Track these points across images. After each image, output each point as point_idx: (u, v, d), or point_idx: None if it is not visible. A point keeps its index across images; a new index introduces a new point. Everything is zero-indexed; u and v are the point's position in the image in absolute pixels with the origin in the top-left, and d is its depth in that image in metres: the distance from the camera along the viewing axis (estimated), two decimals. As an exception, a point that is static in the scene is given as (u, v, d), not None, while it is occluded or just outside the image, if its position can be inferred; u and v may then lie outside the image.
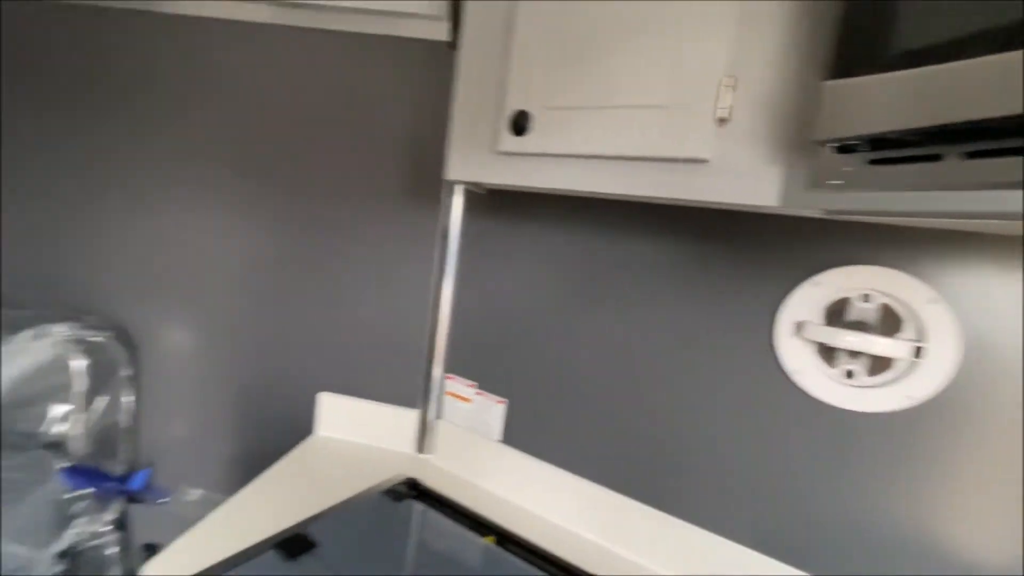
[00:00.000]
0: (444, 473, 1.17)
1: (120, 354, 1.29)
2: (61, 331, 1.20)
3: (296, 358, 1.29)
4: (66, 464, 1.17)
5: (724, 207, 0.68)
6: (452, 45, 1.11)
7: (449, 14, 1.11)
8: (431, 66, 1.14)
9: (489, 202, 1.12)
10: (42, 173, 1.37)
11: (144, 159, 1.33)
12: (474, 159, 0.79)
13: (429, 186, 1.17)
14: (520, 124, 0.72)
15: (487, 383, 1.15)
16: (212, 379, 1.35)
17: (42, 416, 1.17)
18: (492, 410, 1.14)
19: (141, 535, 1.40)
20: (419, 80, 1.16)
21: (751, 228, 0.84)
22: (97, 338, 1.24)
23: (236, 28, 1.25)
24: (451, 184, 1.13)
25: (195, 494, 1.39)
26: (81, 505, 1.21)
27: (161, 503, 1.35)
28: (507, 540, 0.96)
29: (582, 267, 1.04)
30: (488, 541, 0.96)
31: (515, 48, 0.73)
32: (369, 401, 1.26)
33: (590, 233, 1.02)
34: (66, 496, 1.19)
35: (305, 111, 1.23)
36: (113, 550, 1.31)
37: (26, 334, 1.18)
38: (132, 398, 1.33)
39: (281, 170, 1.26)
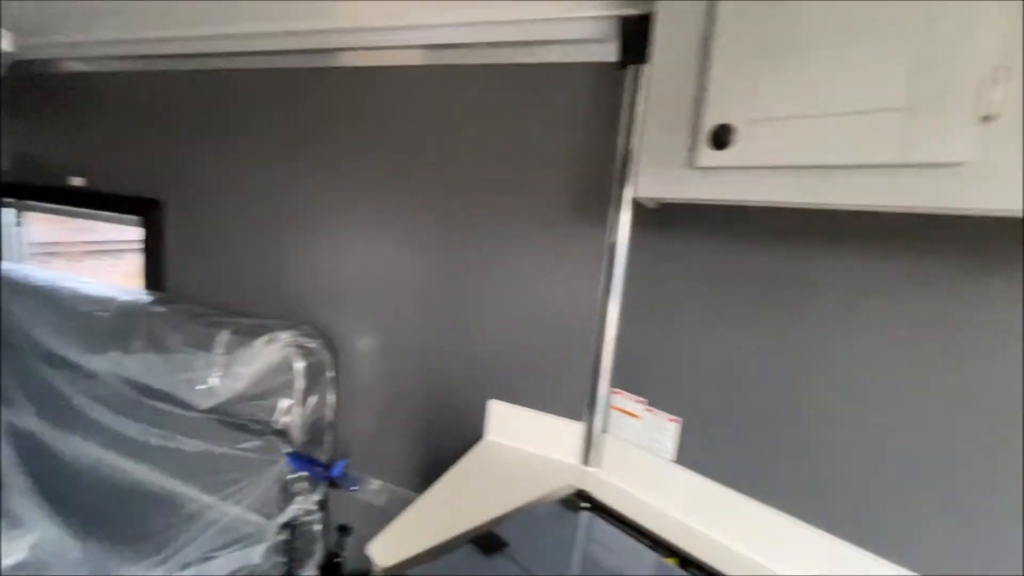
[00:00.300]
0: (612, 487, 1.17)
1: (327, 358, 1.51)
2: (286, 337, 1.44)
3: (468, 366, 1.40)
4: (289, 449, 1.40)
5: (977, 213, 0.60)
6: (622, 65, 1.14)
7: (617, 34, 1.14)
8: (595, 88, 1.18)
9: (659, 217, 1.11)
10: (269, 208, 1.67)
11: (338, 191, 1.56)
12: (667, 176, 0.79)
13: (594, 203, 1.20)
14: (721, 137, 0.71)
15: (658, 400, 1.14)
16: (394, 383, 1.52)
17: (272, 408, 1.42)
18: (664, 428, 1.12)
19: (336, 516, 1.61)
20: (582, 103, 1.21)
21: (1001, 239, 0.72)
22: (311, 344, 1.47)
23: (397, 73, 1.42)
24: (619, 200, 1.15)
25: (376, 484, 1.57)
26: (300, 486, 1.44)
27: (353, 490, 1.55)
28: (690, 563, 0.93)
29: (764, 282, 0.98)
30: (671, 562, 0.94)
31: (714, 59, 0.73)
32: (536, 411, 1.32)
33: (776, 246, 0.96)
34: (288, 477, 1.42)
35: (467, 139, 1.35)
36: (318, 527, 1.52)
37: (262, 339, 1.44)
38: (334, 397, 1.55)
39: (451, 194, 1.38)
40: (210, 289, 1.80)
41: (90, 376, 1.71)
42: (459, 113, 1.35)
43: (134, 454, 1.65)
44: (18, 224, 2.28)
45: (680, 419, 1.10)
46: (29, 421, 1.90)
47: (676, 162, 0.78)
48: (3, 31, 1.84)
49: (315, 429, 1.49)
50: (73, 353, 1.72)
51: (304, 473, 1.43)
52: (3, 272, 1.94)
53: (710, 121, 0.72)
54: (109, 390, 1.68)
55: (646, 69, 0.96)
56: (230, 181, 1.73)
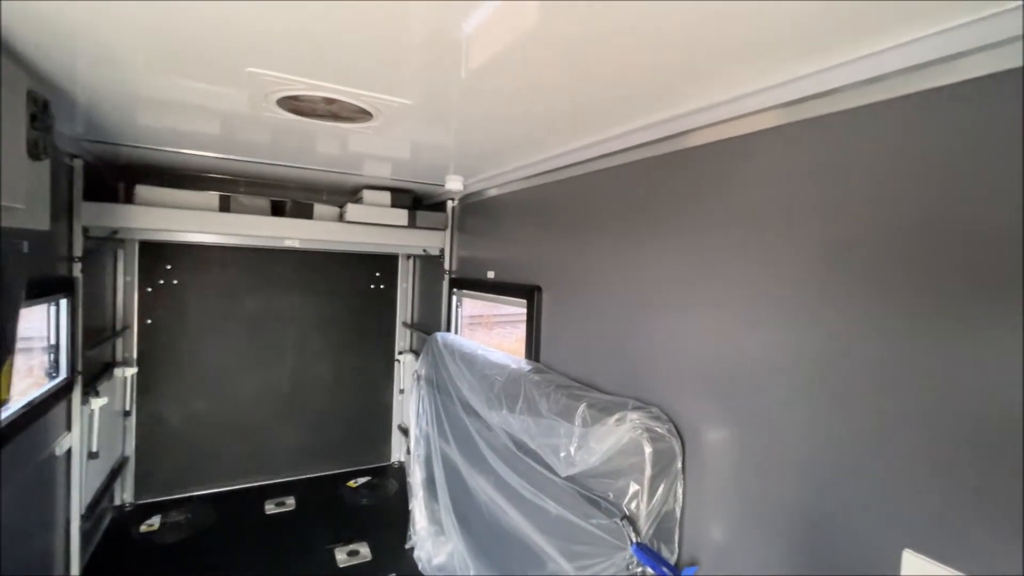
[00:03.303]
0: None
1: (676, 446, 1.43)
2: (635, 419, 1.45)
3: (869, 493, 1.05)
4: (637, 540, 1.36)
5: None
6: None
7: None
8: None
9: None
10: (622, 290, 1.78)
11: (686, 272, 1.50)
12: None
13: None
14: None
15: None
16: (756, 490, 1.28)
17: (622, 490, 1.42)
18: None
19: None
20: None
21: None
22: (660, 428, 1.42)
23: (744, 142, 1.33)
24: None
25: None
26: (645, 582, 1.36)
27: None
28: None
29: None
30: None
31: None
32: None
33: None
34: (635, 570, 1.36)
35: (857, 196, 1.07)
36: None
37: (613, 418, 1.48)
38: (682, 490, 1.43)
39: (829, 266, 1.12)
40: (573, 363, 2.02)
41: (488, 428, 2.15)
42: (841, 166, 1.12)
43: (513, 501, 1.95)
44: (458, 305, 3.20)
45: None
46: (452, 453, 2.54)
47: None
48: (459, 177, 2.71)
49: (663, 522, 1.40)
50: (479, 406, 2.21)
51: (650, 570, 1.35)
52: (448, 339, 2.74)
53: None
54: (499, 441, 2.06)
55: None
56: (589, 268, 1.95)
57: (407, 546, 2.89)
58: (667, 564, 1.33)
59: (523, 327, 2.38)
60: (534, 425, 1.80)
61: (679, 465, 1.44)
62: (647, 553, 1.33)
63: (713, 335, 1.41)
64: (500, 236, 2.72)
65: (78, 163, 2.35)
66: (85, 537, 2.54)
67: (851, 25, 0.95)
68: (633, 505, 1.41)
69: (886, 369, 1.02)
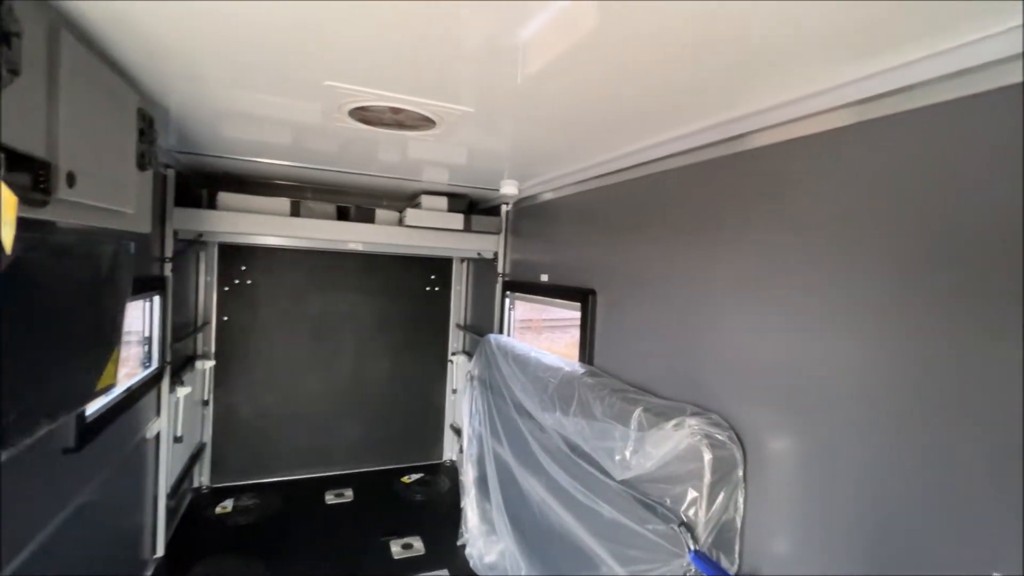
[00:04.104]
0: None
1: (737, 454, 1.39)
2: (694, 424, 1.42)
3: (951, 515, 0.99)
4: (695, 547, 1.34)
5: None
6: None
7: None
8: None
9: None
10: (680, 294, 1.75)
11: (750, 275, 1.46)
12: None
13: None
14: None
15: None
16: (824, 503, 1.23)
17: (680, 497, 1.41)
18: None
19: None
20: None
21: None
22: (720, 435, 1.39)
23: (817, 141, 1.28)
24: None
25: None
26: (703, 591, 1.34)
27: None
28: None
29: None
30: None
31: None
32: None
33: None
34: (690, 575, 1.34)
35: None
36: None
37: (671, 423, 1.47)
38: (743, 500, 1.39)
39: (914, 281, 1.06)
40: (627, 367, 2.01)
41: (541, 429, 2.17)
42: (928, 166, 1.07)
43: (566, 503, 1.96)
44: (511, 308, 3.25)
45: None
46: (504, 453, 2.57)
47: None
48: (513, 181, 2.76)
49: (722, 532, 1.37)
50: (533, 408, 2.24)
51: (709, 579, 1.32)
52: (501, 341, 2.78)
53: None
54: (552, 443, 2.08)
55: None
56: (646, 271, 1.93)
57: (459, 543, 2.95)
58: (726, 574, 1.30)
59: (571, 331, 2.38)
60: (588, 428, 1.81)
61: (740, 474, 1.41)
62: (705, 561, 1.30)
63: (778, 344, 1.37)
64: (554, 239, 2.74)
65: (170, 172, 2.59)
66: (170, 514, 2.77)
67: (935, 14, 0.91)
68: (691, 512, 1.39)
69: (968, 389, 0.96)
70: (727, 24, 0.98)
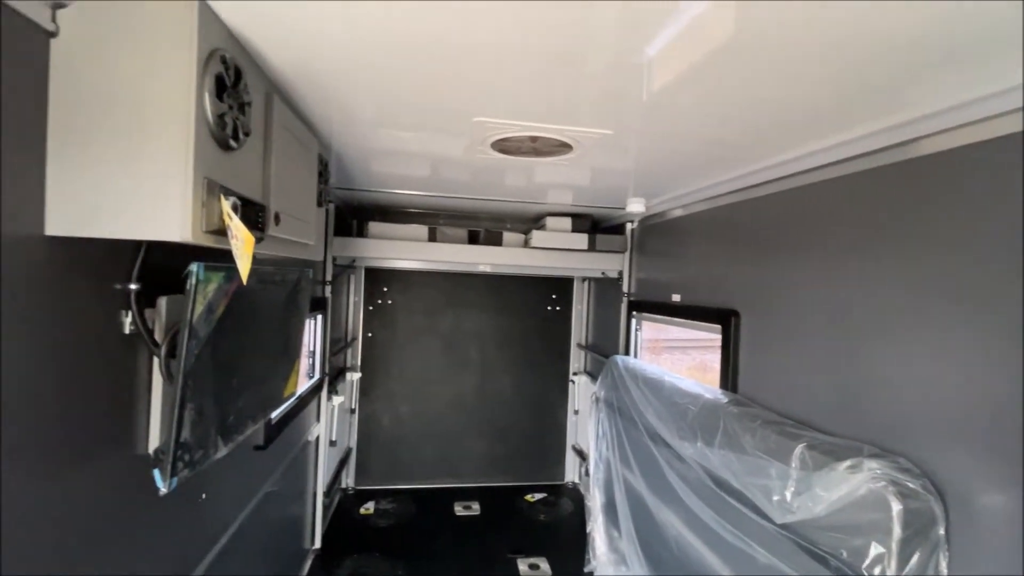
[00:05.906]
0: None
1: (936, 509, 1.18)
2: (875, 468, 1.24)
3: None
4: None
5: None
6: None
7: None
8: None
9: None
10: (842, 318, 1.56)
11: (933, 297, 1.25)
12: None
13: None
14: None
15: None
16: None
17: (860, 551, 1.22)
18: None
19: None
20: None
21: None
22: (911, 484, 1.19)
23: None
24: None
25: None
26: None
27: None
28: None
29: None
30: None
31: None
32: None
33: None
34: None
35: None
36: None
37: (844, 464, 1.29)
38: (946, 565, 1.17)
39: None
40: (779, 396, 1.82)
41: (679, 459, 2.05)
42: None
43: (709, 542, 1.82)
44: (638, 328, 3.15)
45: None
46: (635, 480, 2.47)
47: None
48: (640, 199, 2.70)
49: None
50: (669, 436, 2.12)
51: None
52: (629, 363, 2.70)
53: None
54: (693, 475, 1.95)
55: None
56: (800, 291, 1.75)
57: (586, 569, 2.87)
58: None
59: (693, 353, 2.22)
60: (736, 461, 1.66)
61: (940, 532, 1.19)
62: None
63: (985, 375, 1.14)
64: (686, 258, 2.61)
65: (331, 206, 2.96)
66: (324, 511, 3.09)
67: None
68: (877, 570, 1.20)
69: None
70: (898, 21, 0.86)
